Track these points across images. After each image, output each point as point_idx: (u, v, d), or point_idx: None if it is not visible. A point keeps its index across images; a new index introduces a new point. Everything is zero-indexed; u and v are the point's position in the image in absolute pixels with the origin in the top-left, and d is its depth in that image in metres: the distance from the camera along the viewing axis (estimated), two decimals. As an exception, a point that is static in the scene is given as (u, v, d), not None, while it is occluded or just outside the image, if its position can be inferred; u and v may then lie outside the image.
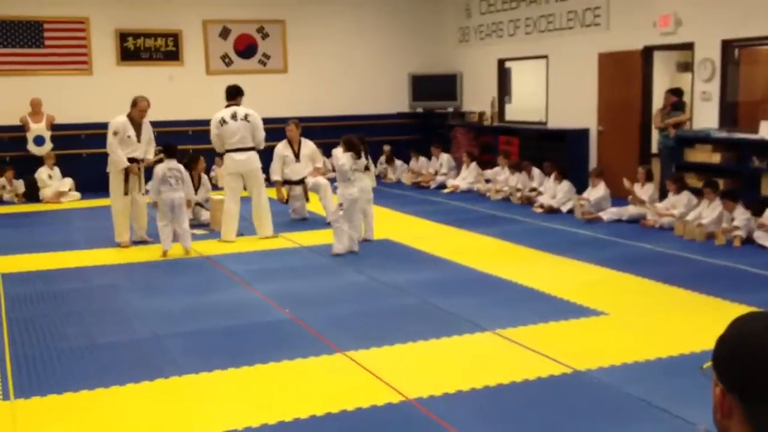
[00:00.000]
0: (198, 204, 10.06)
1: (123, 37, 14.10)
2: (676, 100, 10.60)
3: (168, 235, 8.32)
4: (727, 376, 1.37)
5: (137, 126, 9.06)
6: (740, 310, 5.72)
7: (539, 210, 10.65)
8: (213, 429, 4.09)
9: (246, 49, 14.96)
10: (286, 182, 10.41)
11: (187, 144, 13.83)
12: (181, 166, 8.52)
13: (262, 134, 9.36)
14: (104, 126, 13.71)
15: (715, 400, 1.41)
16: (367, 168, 8.85)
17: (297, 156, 10.37)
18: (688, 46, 10.49)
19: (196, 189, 10.13)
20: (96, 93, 13.89)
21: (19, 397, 4.57)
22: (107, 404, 4.46)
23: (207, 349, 5.36)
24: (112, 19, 13.98)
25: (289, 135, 10.46)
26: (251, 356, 5.11)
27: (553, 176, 10.90)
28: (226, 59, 14.83)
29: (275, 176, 10.33)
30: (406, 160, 14.74)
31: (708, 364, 1.44)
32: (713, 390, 1.41)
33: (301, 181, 10.38)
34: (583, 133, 12.19)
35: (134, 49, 14.20)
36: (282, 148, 10.40)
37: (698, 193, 9.14)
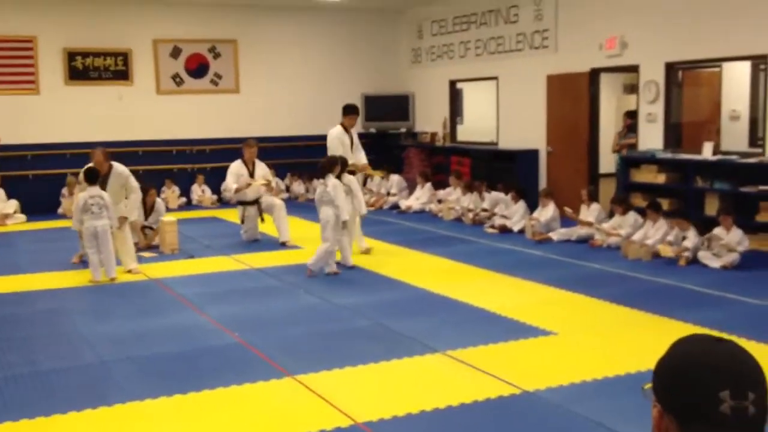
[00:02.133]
0: (148, 227, 9.90)
1: (71, 56, 13.91)
2: (631, 122, 10.85)
3: (96, 265, 8.15)
4: (664, 397, 1.40)
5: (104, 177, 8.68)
6: (686, 328, 5.85)
7: (491, 230, 10.75)
8: (158, 457, 4.01)
9: (197, 68, 14.87)
10: (241, 203, 10.33)
11: (138, 165, 13.68)
12: (103, 193, 8.23)
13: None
14: (52, 146, 13.62)
15: (653, 420, 1.43)
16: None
17: (252, 176, 10.31)
18: (634, 69, 10.73)
19: (148, 214, 10.02)
20: (43, 113, 13.67)
21: (-43, 428, 4.43)
22: (49, 434, 4.35)
23: (154, 374, 5.27)
24: (60, 37, 13.78)
25: (246, 155, 10.39)
26: (199, 382, 5.04)
27: (510, 196, 11.02)
28: (177, 79, 14.71)
29: (233, 186, 10.19)
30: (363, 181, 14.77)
31: (648, 385, 1.46)
32: (652, 410, 1.43)
33: (256, 202, 10.31)
34: (533, 154, 12.36)
35: (83, 68, 14.01)
36: (238, 167, 10.32)
37: (643, 213, 9.31)
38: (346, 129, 9.41)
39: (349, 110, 9.53)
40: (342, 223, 8.28)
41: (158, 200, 10.25)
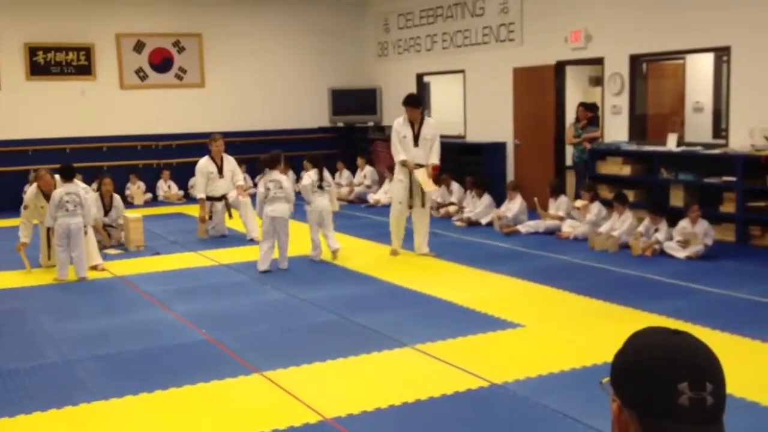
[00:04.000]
0: (109, 225, 9.75)
1: (32, 51, 13.66)
2: (592, 115, 10.93)
3: (64, 263, 8.01)
4: (622, 392, 1.39)
5: (47, 197, 8.46)
6: (651, 319, 5.91)
7: (459, 224, 10.77)
8: (124, 458, 3.96)
9: (162, 62, 14.70)
10: (209, 198, 10.23)
11: (101, 161, 13.52)
12: (80, 190, 8.12)
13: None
14: (14, 143, 13.39)
15: (613, 414, 1.43)
16: (320, 187, 8.80)
17: (221, 171, 10.21)
18: (599, 61, 10.81)
19: (107, 211, 9.77)
20: (5, 109, 13.43)
21: None
22: (11, 436, 4.28)
23: (119, 373, 5.21)
24: (20, 32, 13.53)
25: (213, 150, 10.28)
26: (165, 380, 4.99)
27: (474, 192, 11.04)
28: (140, 73, 14.53)
29: (200, 194, 10.12)
30: (332, 174, 14.74)
31: (606, 378, 1.46)
32: (611, 405, 1.43)
33: (223, 197, 10.22)
34: (501, 147, 12.41)
35: (44, 63, 13.77)
36: (206, 164, 10.21)
37: (609, 205, 9.39)
38: (412, 122, 8.67)
39: (406, 101, 8.67)
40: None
41: (116, 196, 10.00)
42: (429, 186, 8.55)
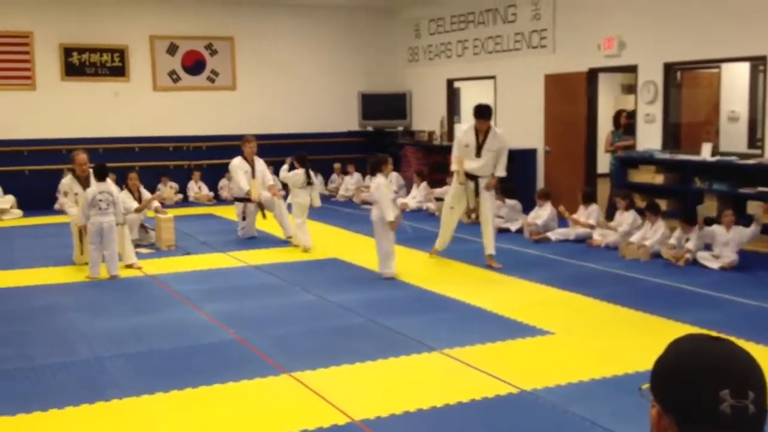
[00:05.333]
0: (142, 225, 9.85)
1: (68, 51, 13.86)
2: (628, 123, 10.86)
3: (96, 261, 8.11)
4: (663, 398, 1.39)
5: (83, 181, 8.68)
6: (683, 328, 5.84)
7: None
8: (154, 454, 3.99)
9: (194, 65, 14.84)
10: (242, 199, 10.29)
11: (133, 161, 13.66)
12: (113, 189, 8.24)
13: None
14: (48, 142, 13.58)
15: (651, 420, 1.42)
16: (309, 183, 9.57)
17: (253, 172, 10.28)
18: (632, 69, 10.73)
19: (140, 201, 9.83)
20: (40, 109, 13.62)
21: (-48, 423, 4.41)
22: (45, 428, 4.34)
23: (150, 370, 5.25)
24: (56, 33, 13.74)
25: (246, 151, 10.35)
26: (195, 378, 5.02)
27: (501, 198, 10.99)
28: (173, 75, 14.68)
29: (245, 186, 10.15)
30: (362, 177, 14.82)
31: (646, 385, 1.45)
32: (650, 411, 1.42)
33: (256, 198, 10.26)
34: (531, 153, 12.36)
35: (79, 64, 13.96)
36: (240, 163, 10.27)
37: (642, 213, 9.31)
38: (477, 132, 8.50)
39: (476, 113, 8.49)
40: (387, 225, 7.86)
41: (143, 189, 10.05)
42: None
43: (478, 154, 8.46)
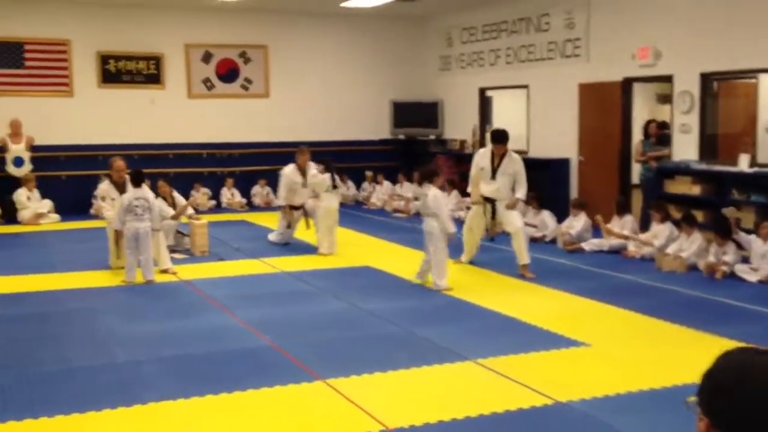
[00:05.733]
0: (180, 232, 9.94)
1: (104, 59, 14.06)
2: (661, 133, 10.75)
3: (132, 265, 8.21)
4: (713, 412, 1.37)
5: (120, 187, 8.81)
6: (722, 343, 5.76)
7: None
8: (191, 458, 4.02)
9: (228, 73, 14.97)
10: (290, 207, 10.36)
11: (167, 167, 13.80)
12: (148, 195, 8.33)
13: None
14: (85, 148, 13.77)
15: (698, 432, 1.41)
16: (335, 187, 9.91)
17: (305, 183, 10.33)
18: (667, 79, 10.63)
19: (174, 207, 9.93)
20: (77, 115, 13.82)
21: (-6, 423, 4.48)
22: (83, 429, 4.38)
23: (186, 374, 5.29)
24: (93, 41, 13.94)
25: (300, 161, 10.41)
26: (230, 383, 5.05)
27: (532, 206, 10.96)
28: (207, 83, 14.82)
29: (281, 201, 10.31)
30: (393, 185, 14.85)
31: (693, 398, 1.44)
32: (697, 424, 1.41)
33: (302, 206, 10.32)
34: (564, 163, 12.28)
35: (116, 71, 14.16)
36: (292, 173, 10.34)
37: (677, 225, 9.20)
38: (493, 155, 8.63)
39: (493, 137, 8.72)
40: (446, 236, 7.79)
41: (175, 194, 10.14)
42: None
43: (493, 177, 8.59)
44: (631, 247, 9.50)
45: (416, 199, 13.87)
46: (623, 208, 10.12)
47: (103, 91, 14.07)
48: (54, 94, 13.77)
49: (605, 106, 11.57)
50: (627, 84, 11.32)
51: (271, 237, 10.62)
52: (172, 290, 7.95)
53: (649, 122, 11.48)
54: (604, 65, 11.53)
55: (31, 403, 4.75)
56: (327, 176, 9.86)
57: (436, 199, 7.79)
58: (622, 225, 9.92)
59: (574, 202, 10.57)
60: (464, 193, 13.04)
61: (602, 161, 11.69)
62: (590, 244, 9.89)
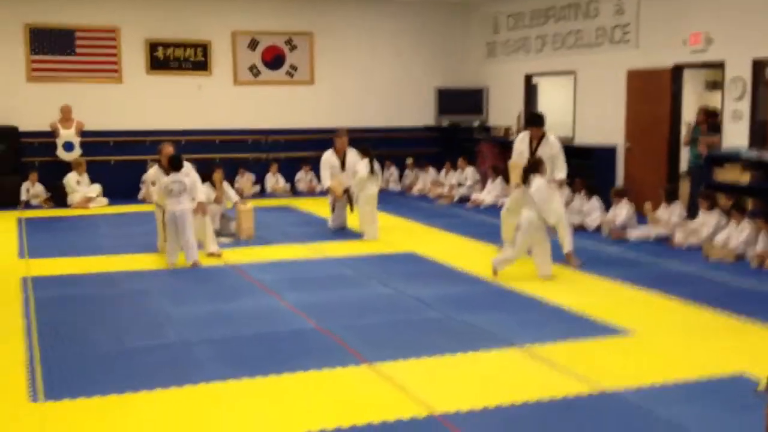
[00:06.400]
0: (223, 216, 10.06)
1: (153, 46, 14.27)
2: (712, 120, 10.58)
3: (173, 249, 8.36)
4: None
5: (168, 172, 8.94)
6: (770, 332, 5.68)
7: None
8: (241, 437, 4.11)
9: (273, 60, 15.09)
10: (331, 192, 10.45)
11: (213, 153, 13.98)
12: (184, 178, 8.42)
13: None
14: (133, 134, 14.02)
15: (767, 421, 1.41)
16: (373, 173, 9.95)
17: (343, 166, 10.39)
18: (719, 65, 10.43)
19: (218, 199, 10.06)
20: (125, 101, 14.07)
21: (50, 399, 4.62)
22: (136, 408, 4.50)
23: (235, 356, 5.40)
24: (142, 28, 14.16)
25: (337, 145, 10.48)
26: (278, 365, 5.14)
27: (582, 193, 10.87)
28: (253, 70, 14.96)
29: (326, 182, 10.36)
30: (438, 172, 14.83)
31: (762, 386, 1.45)
32: (766, 412, 1.41)
33: (346, 191, 10.38)
34: (611, 150, 12.14)
35: (164, 58, 14.36)
36: (329, 157, 10.42)
37: (727, 213, 9.05)
38: (531, 138, 8.66)
39: (528, 121, 8.89)
40: (547, 228, 7.72)
41: (226, 184, 10.25)
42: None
43: None
44: (678, 236, 9.38)
45: (459, 185, 13.87)
46: (671, 196, 9.97)
47: (151, 77, 14.29)
48: (103, 81, 14.02)
49: (654, 92, 11.40)
50: (677, 70, 11.13)
51: (329, 223, 10.69)
52: (218, 273, 8.08)
53: (701, 109, 11.28)
54: (654, 51, 11.35)
55: (84, 382, 4.89)
56: (365, 161, 9.90)
57: (540, 189, 7.66)
58: (670, 213, 9.78)
59: (615, 191, 10.45)
60: (509, 180, 12.99)
61: (650, 149, 11.53)
62: (636, 233, 9.78)
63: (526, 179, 7.79)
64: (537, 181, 7.70)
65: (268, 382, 4.87)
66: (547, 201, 7.64)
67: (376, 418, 4.33)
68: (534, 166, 7.87)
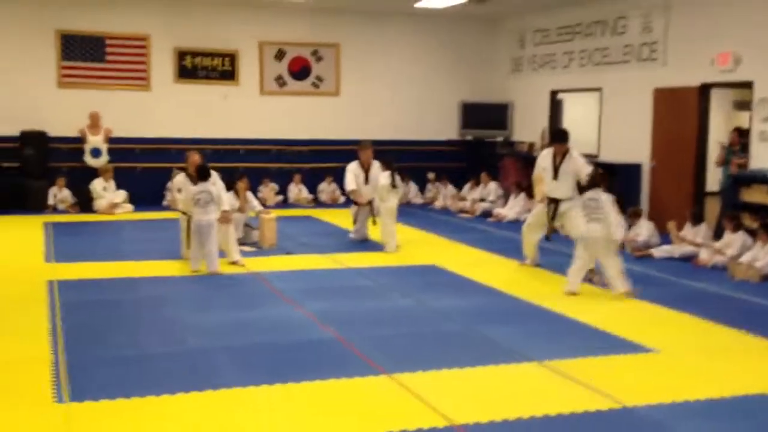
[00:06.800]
0: (247, 225, 10.13)
1: (181, 55, 14.43)
2: (745, 141, 10.52)
3: (196, 256, 8.46)
4: None
5: (194, 180, 8.96)
6: (797, 353, 5.60)
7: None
8: (260, 443, 4.12)
9: (300, 71, 15.19)
10: (355, 203, 10.49)
11: (238, 162, 14.07)
12: (211, 188, 8.52)
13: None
14: (160, 141, 14.15)
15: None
16: (394, 186, 9.97)
17: (367, 179, 10.42)
18: (747, 85, 10.36)
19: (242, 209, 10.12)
20: (153, 109, 14.22)
21: (74, 400, 4.66)
22: (158, 411, 4.53)
23: (255, 363, 5.41)
24: (171, 37, 14.32)
25: (362, 157, 10.51)
26: (298, 373, 5.14)
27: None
28: (280, 80, 15.07)
29: (351, 185, 10.35)
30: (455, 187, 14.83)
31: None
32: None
33: (369, 203, 10.40)
34: (635, 168, 12.08)
35: (191, 67, 14.51)
36: (353, 168, 10.47)
37: (753, 234, 8.97)
38: (555, 154, 8.65)
39: (553, 137, 9.12)
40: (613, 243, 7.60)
41: (249, 195, 10.33)
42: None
43: (555, 176, 8.58)
44: (704, 255, 9.29)
45: (482, 200, 13.84)
46: (697, 219, 9.91)
47: (178, 86, 14.44)
48: (132, 88, 14.19)
49: (681, 111, 11.34)
50: (704, 90, 11.07)
51: (351, 234, 10.72)
52: (240, 281, 8.12)
53: (734, 129, 11.19)
54: (681, 70, 11.30)
55: (107, 385, 4.92)
56: (387, 174, 9.94)
57: (609, 203, 7.58)
58: (695, 233, 9.71)
59: (631, 212, 10.39)
60: (532, 196, 12.95)
61: (676, 167, 11.45)
62: (660, 251, 9.71)
63: (582, 191, 7.78)
64: (604, 194, 7.61)
65: (287, 390, 4.88)
66: (617, 217, 7.56)
67: (395, 428, 4.32)
68: (597, 179, 7.81)
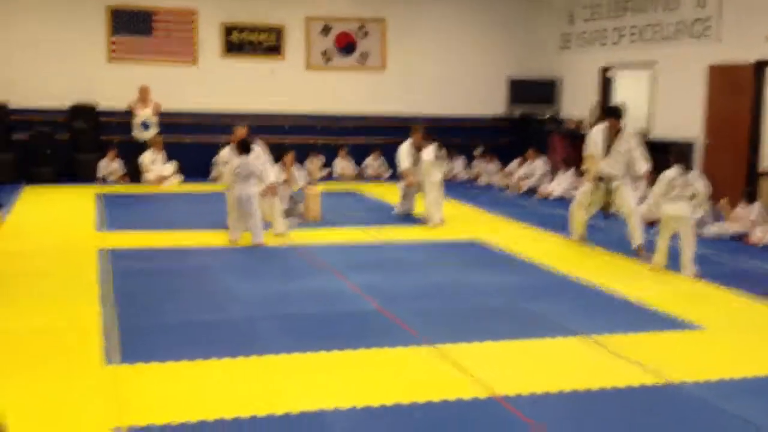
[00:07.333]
0: (291, 197, 10.18)
1: (228, 30, 14.52)
2: None
3: (235, 226, 8.57)
4: None
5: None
6: None
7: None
8: (305, 406, 4.17)
9: (345, 46, 15.18)
10: (407, 182, 10.49)
11: (283, 136, 14.14)
12: (250, 162, 8.55)
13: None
14: (207, 115, 14.29)
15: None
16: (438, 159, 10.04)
17: (417, 160, 10.40)
18: (804, 61, 10.06)
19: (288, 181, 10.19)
20: (200, 83, 14.35)
21: (125, 362, 4.79)
22: (206, 374, 4.64)
23: (299, 331, 5.48)
24: (219, 12, 14.42)
25: (414, 139, 10.50)
26: (341, 341, 5.20)
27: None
28: (325, 55, 15.08)
29: (405, 163, 10.38)
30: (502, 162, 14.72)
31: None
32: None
33: (419, 184, 10.40)
34: (688, 146, 11.82)
35: (238, 42, 14.60)
36: (406, 147, 10.48)
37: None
38: (609, 130, 8.54)
39: (607, 112, 8.96)
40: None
41: (292, 169, 10.37)
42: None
43: (608, 153, 8.44)
44: (756, 234, 9.10)
45: (527, 177, 13.72)
46: (751, 197, 9.70)
47: (225, 60, 14.55)
48: (180, 63, 14.33)
49: (735, 88, 11.06)
50: (760, 67, 10.78)
51: (395, 209, 10.74)
52: (285, 253, 8.20)
53: None
54: (736, 46, 11.00)
55: (157, 348, 5.04)
56: (431, 149, 9.98)
57: (701, 181, 7.46)
58: (749, 211, 9.51)
59: None
60: (580, 172, 12.80)
61: (729, 146, 11.20)
62: (712, 229, 9.53)
63: (671, 165, 7.50)
64: (695, 173, 7.45)
65: (331, 357, 4.94)
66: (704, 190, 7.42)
67: (436, 397, 4.35)
68: (683, 156, 7.66)
